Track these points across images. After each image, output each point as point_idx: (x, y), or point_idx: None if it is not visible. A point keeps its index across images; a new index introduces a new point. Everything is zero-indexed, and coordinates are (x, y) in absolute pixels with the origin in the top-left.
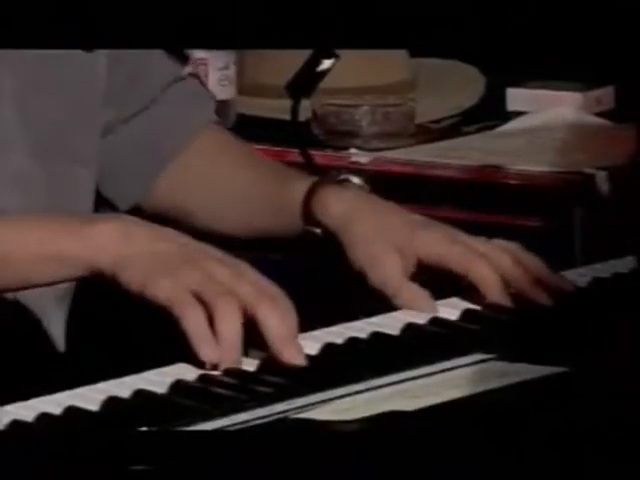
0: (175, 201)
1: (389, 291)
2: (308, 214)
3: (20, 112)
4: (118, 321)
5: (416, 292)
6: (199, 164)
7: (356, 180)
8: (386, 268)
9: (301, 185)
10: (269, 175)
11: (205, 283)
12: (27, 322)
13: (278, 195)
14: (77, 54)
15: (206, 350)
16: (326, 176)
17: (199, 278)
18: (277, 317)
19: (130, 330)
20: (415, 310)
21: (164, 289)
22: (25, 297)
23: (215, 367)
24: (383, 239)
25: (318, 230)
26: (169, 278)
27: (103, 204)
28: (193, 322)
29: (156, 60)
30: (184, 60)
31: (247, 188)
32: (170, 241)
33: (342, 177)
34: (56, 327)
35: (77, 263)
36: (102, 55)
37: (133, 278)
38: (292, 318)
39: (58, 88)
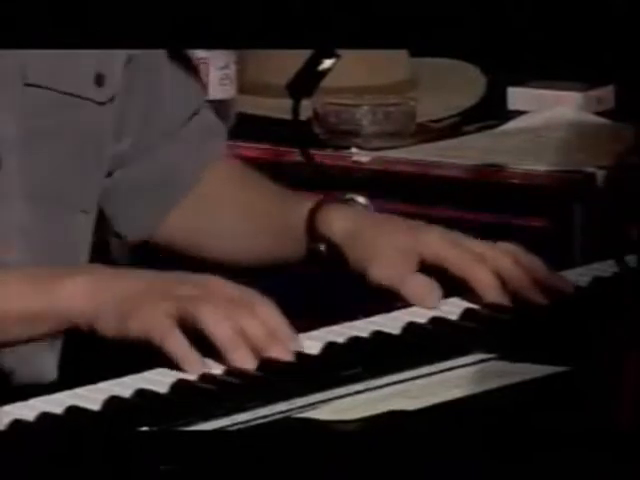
0: (186, 232)
1: (394, 281)
2: (313, 230)
3: (22, 162)
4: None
5: (422, 280)
6: (209, 195)
7: (361, 200)
8: (390, 262)
9: (305, 204)
10: (273, 198)
11: (176, 304)
12: (18, 365)
13: (283, 215)
14: (86, 104)
15: (194, 368)
16: (330, 195)
17: (172, 303)
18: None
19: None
20: (420, 297)
21: (138, 325)
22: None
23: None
24: (386, 241)
25: (322, 247)
26: (141, 313)
27: (112, 235)
28: (175, 348)
29: (172, 94)
30: (200, 91)
31: (252, 212)
32: (137, 280)
33: (347, 197)
34: (47, 369)
35: (50, 320)
36: (111, 106)
37: (107, 326)
38: (270, 317)
39: (61, 137)
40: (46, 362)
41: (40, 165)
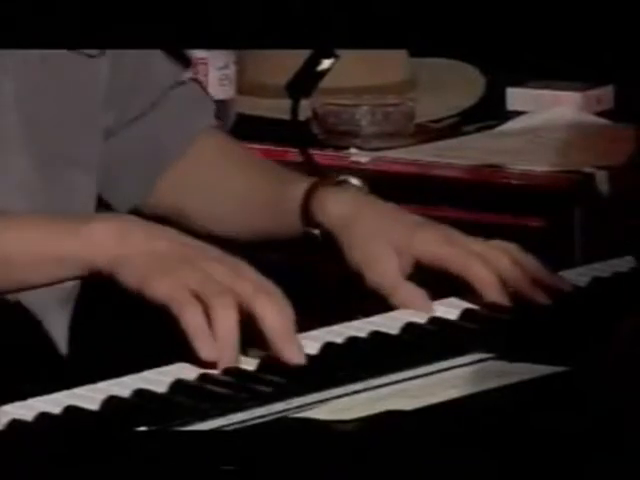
0: (174, 204)
1: (386, 291)
2: (307, 215)
3: (21, 115)
4: (118, 321)
5: (412, 291)
6: (198, 168)
7: (355, 181)
8: (383, 268)
9: (300, 186)
10: (268, 177)
11: (203, 282)
12: (29, 325)
13: (277, 197)
14: (80, 57)
15: (204, 348)
16: (325, 177)
17: (197, 277)
18: (275, 313)
19: (130, 330)
20: (411, 309)
21: (162, 288)
22: (27, 300)
23: (214, 365)
24: (381, 239)
25: (317, 231)
26: (167, 277)
27: (101, 206)
28: (191, 320)
29: (157, 64)
30: (186, 64)
31: (245, 190)
32: (168, 240)
33: (341, 178)
34: (58, 330)
35: (75, 263)
36: (104, 58)
37: (131, 277)
38: (289, 315)
39: (59, 92)
40: (57, 324)
41: (38, 118)
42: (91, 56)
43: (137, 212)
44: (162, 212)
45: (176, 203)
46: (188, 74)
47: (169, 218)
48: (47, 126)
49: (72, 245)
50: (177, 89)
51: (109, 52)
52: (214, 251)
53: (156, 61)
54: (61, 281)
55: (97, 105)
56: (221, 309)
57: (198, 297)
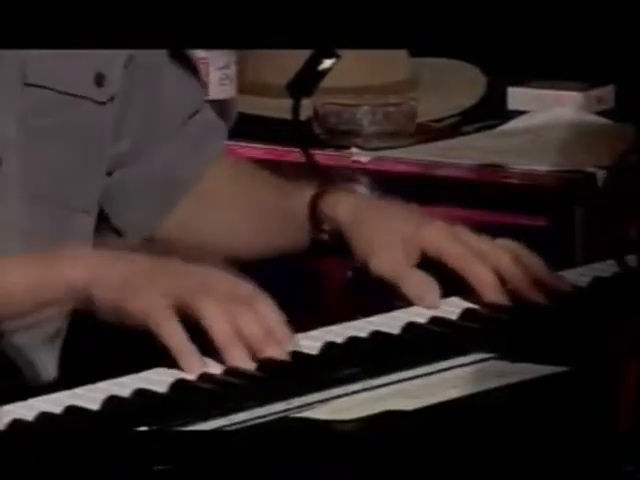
0: (189, 229)
1: (395, 275)
2: (316, 217)
3: (22, 162)
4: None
5: (423, 278)
6: (210, 192)
7: (362, 189)
8: (389, 255)
9: (307, 192)
10: (274, 191)
11: (178, 294)
12: (20, 365)
13: (284, 206)
14: (86, 104)
15: (189, 364)
16: (331, 179)
17: (171, 291)
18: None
19: (130, 330)
20: (419, 296)
21: (137, 306)
22: (17, 341)
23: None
24: (387, 229)
25: (325, 235)
26: (141, 295)
27: (112, 233)
28: (170, 335)
29: (172, 93)
30: (201, 92)
31: (254, 205)
32: (140, 261)
33: (350, 186)
34: (49, 367)
35: (51, 288)
36: (111, 105)
37: (106, 301)
38: (268, 315)
39: (61, 137)
40: (46, 362)
41: (40, 165)
42: (100, 103)
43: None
44: (178, 236)
45: (192, 227)
46: (201, 101)
47: (181, 244)
48: (49, 170)
49: (48, 270)
50: (193, 119)
51: (118, 96)
52: (180, 266)
53: (171, 91)
54: (45, 307)
55: (101, 147)
56: (206, 310)
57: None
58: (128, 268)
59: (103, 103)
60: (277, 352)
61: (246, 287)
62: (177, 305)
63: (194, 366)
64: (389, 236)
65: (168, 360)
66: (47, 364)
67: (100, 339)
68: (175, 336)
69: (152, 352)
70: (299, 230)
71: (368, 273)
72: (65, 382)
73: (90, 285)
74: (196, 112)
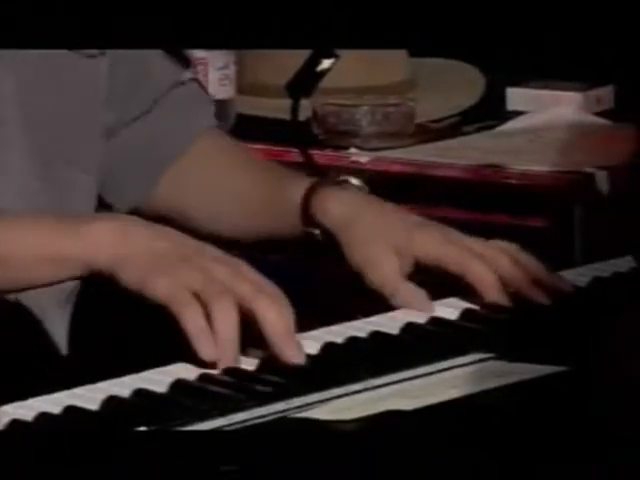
0: (174, 204)
1: (387, 291)
2: (307, 215)
3: (21, 114)
4: (118, 321)
5: (413, 292)
6: (198, 168)
7: (355, 181)
8: (384, 269)
9: (299, 186)
10: (268, 176)
11: (203, 282)
12: (29, 325)
13: (277, 197)
14: (80, 56)
15: (204, 348)
16: (325, 177)
17: (197, 277)
18: (275, 314)
19: (130, 330)
20: (412, 309)
21: (162, 288)
22: (27, 299)
23: (214, 365)
24: (381, 239)
25: (317, 231)
26: (167, 277)
27: (103, 206)
28: (191, 320)
29: (157, 64)
30: (185, 64)
31: (246, 190)
32: (168, 240)
33: (341, 178)
34: (58, 330)
35: (75, 263)
36: (104, 58)
37: (131, 277)
38: (289, 316)
39: (59, 91)
40: (56, 325)
41: (38, 117)
42: (91, 56)
43: (138, 212)
44: (163, 212)
45: (177, 203)
46: (188, 74)
47: (170, 218)
48: (47, 126)
49: (72, 245)
50: (177, 89)
51: (109, 52)
52: (214, 251)
53: (156, 61)
54: (62, 281)
55: (97, 105)
56: (222, 309)
57: (198, 297)
58: (155, 252)
59: (94, 56)
60: (296, 354)
61: (269, 285)
62: (202, 292)
63: (208, 351)
64: (382, 247)
65: (168, 360)
66: (57, 328)
67: (111, 306)
68: (196, 323)
69: (152, 352)
70: (290, 225)
71: (363, 283)
72: (74, 349)
73: (115, 267)
74: (181, 83)
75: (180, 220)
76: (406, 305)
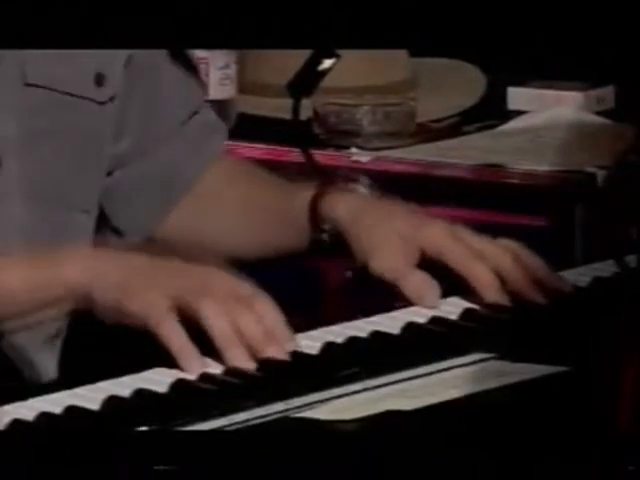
0: (188, 230)
1: (395, 275)
2: (315, 219)
3: (22, 161)
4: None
5: (423, 277)
6: (208, 192)
7: (363, 189)
8: (389, 254)
9: (307, 192)
10: (274, 191)
11: (180, 286)
12: (19, 365)
13: (285, 206)
14: (86, 104)
15: (190, 364)
16: (331, 181)
17: (174, 282)
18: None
19: (130, 330)
20: (419, 295)
21: (137, 305)
22: (17, 341)
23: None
24: (388, 229)
25: (325, 235)
26: (141, 294)
27: (112, 233)
28: (170, 334)
29: (172, 94)
30: (201, 92)
31: (255, 205)
32: (140, 261)
33: (350, 187)
34: (49, 368)
35: (51, 288)
36: (111, 104)
37: (106, 301)
38: (268, 315)
39: (61, 137)
40: (46, 362)
41: (40, 165)
42: (100, 103)
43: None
44: (176, 238)
45: (190, 229)
46: (201, 101)
47: (182, 244)
48: (48, 170)
49: (47, 270)
50: (193, 119)
51: (119, 96)
52: (184, 264)
53: (170, 91)
54: (46, 308)
55: (101, 147)
56: (206, 310)
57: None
58: (128, 268)
59: (103, 103)
60: (277, 352)
61: (246, 287)
62: (177, 305)
63: (194, 366)
64: (389, 236)
65: (168, 360)
66: (47, 364)
67: (100, 339)
68: (175, 336)
69: (152, 352)
70: (299, 231)
71: (368, 273)
72: (65, 382)
73: (90, 285)
74: (196, 112)
75: (195, 243)
76: (415, 292)
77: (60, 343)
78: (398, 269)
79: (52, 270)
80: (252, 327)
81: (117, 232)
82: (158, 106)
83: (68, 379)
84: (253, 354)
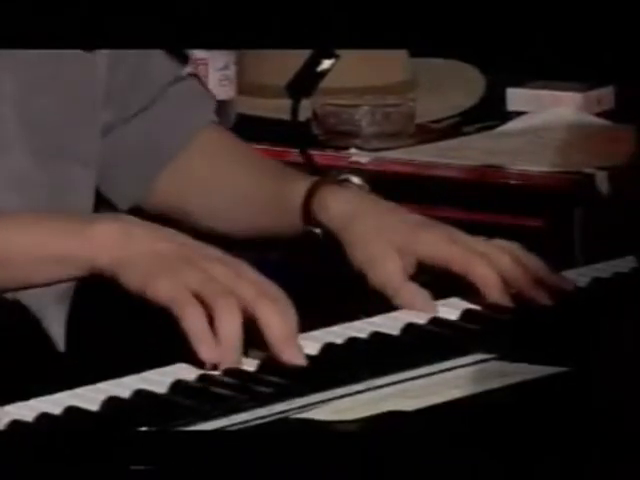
0: (175, 201)
1: (389, 291)
2: (308, 214)
3: (20, 113)
4: (118, 321)
5: (415, 292)
6: (199, 164)
7: (356, 180)
8: (386, 268)
9: (301, 185)
10: (269, 175)
11: (205, 283)
12: (27, 322)
13: (278, 195)
14: (77, 54)
15: (206, 350)
16: (326, 176)
17: (199, 278)
18: (277, 317)
19: (130, 330)
20: (414, 310)
21: (164, 289)
22: (24, 297)
23: (215, 367)
24: (383, 239)
25: (318, 230)
26: (169, 278)
27: (103, 203)
28: (193, 322)
29: (156, 60)
30: (184, 60)
31: (247, 188)
32: (169, 241)
33: (342, 177)
34: (56, 326)
35: (77, 263)
36: (102, 55)
37: (133, 278)
38: (292, 318)
39: (58, 89)
40: (54, 322)
41: (37, 116)
42: (88, 52)
43: (138, 210)
44: (164, 210)
45: (177, 200)
46: (187, 70)
47: (170, 216)
48: (46, 122)
49: (74, 245)
50: (176, 85)
51: (110, 56)
52: (215, 251)
53: (154, 58)
54: (62, 281)
55: (96, 100)
56: (224, 311)
57: (200, 298)
58: (156, 253)
59: (92, 53)
60: (294, 355)
61: (271, 285)
62: (202, 293)
63: (208, 353)
64: (384, 247)
65: (168, 360)
66: (55, 324)
67: (101, 339)
68: (197, 324)
69: (152, 352)
70: (292, 221)
71: (364, 283)
72: (65, 382)
73: (116, 268)
74: (181, 79)
75: (179, 217)
76: (409, 306)
77: (68, 303)
78: (392, 283)
79: (80, 247)
80: (279, 330)
81: (104, 201)
82: (144, 73)
83: (74, 342)
84: (263, 347)
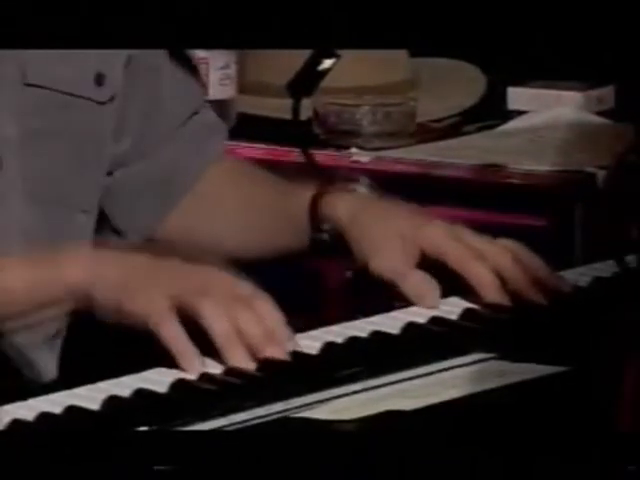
0: (186, 230)
1: (395, 275)
2: (316, 217)
3: (22, 162)
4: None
5: (422, 278)
6: (208, 193)
7: (363, 189)
8: (388, 254)
9: (307, 192)
10: (274, 191)
11: (181, 286)
12: (20, 365)
13: (285, 206)
14: (86, 104)
15: (187, 359)
16: (330, 183)
17: (174, 283)
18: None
19: (130, 330)
20: (419, 295)
21: (137, 306)
22: (17, 340)
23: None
24: (388, 228)
25: (326, 236)
26: (141, 295)
27: (112, 233)
28: (169, 334)
29: (172, 95)
30: (201, 92)
31: (254, 206)
32: (140, 260)
33: (350, 187)
34: (48, 368)
35: (51, 288)
36: (111, 104)
37: (106, 301)
38: (268, 315)
39: (61, 137)
40: (46, 362)
41: (40, 165)
42: (100, 103)
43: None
44: (175, 238)
45: (188, 230)
46: (202, 101)
47: (182, 244)
48: (47, 171)
49: (47, 270)
50: (193, 119)
51: (119, 96)
52: (184, 264)
53: (170, 92)
54: (45, 308)
55: (100, 147)
56: (206, 310)
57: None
58: (128, 268)
59: (103, 103)
60: (277, 352)
61: (246, 287)
62: (177, 305)
63: (194, 366)
64: (389, 236)
65: (168, 360)
66: (47, 364)
67: (100, 339)
68: (175, 336)
69: (152, 352)
70: (299, 231)
71: (368, 274)
72: (65, 382)
73: (90, 285)
74: (196, 112)
75: (196, 243)
76: (415, 291)
77: (60, 343)
78: (398, 269)
79: (52, 270)
80: (252, 327)
81: (117, 232)
82: (158, 106)
83: (68, 379)
84: (253, 354)
